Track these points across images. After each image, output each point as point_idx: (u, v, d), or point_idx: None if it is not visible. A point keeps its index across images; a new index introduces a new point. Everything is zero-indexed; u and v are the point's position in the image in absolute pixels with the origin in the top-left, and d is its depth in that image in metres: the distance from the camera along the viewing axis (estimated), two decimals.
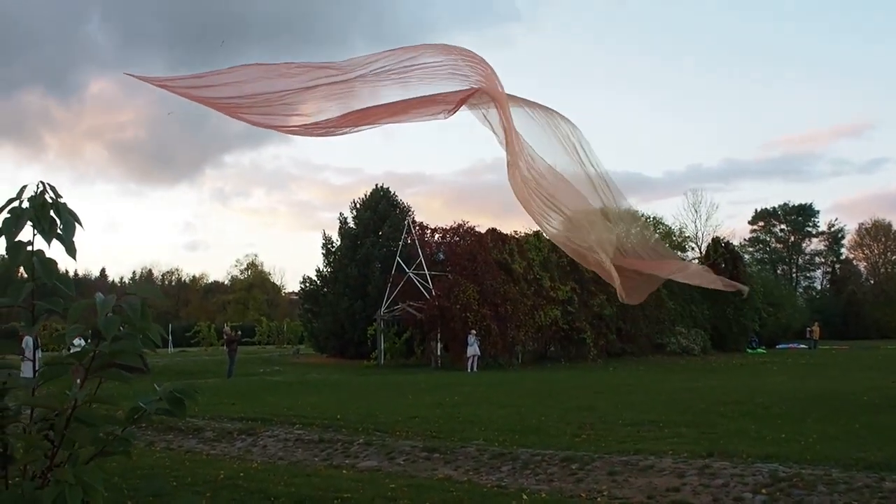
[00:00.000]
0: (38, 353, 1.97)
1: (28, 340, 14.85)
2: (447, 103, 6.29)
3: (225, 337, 32.52)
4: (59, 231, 2.15)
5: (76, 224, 2.19)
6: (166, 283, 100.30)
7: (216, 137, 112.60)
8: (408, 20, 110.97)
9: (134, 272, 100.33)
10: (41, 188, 2.18)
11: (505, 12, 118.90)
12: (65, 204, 2.19)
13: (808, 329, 57.14)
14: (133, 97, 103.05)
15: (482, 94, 6.30)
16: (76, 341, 2.37)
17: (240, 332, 37.27)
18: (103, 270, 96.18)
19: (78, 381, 2.23)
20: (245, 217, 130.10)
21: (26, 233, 2.16)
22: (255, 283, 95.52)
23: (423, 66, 6.19)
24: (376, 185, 46.06)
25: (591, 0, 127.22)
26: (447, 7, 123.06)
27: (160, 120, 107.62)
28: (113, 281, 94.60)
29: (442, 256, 37.96)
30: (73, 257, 2.19)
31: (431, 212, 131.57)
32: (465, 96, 6.24)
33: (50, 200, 2.17)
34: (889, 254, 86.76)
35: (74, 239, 2.19)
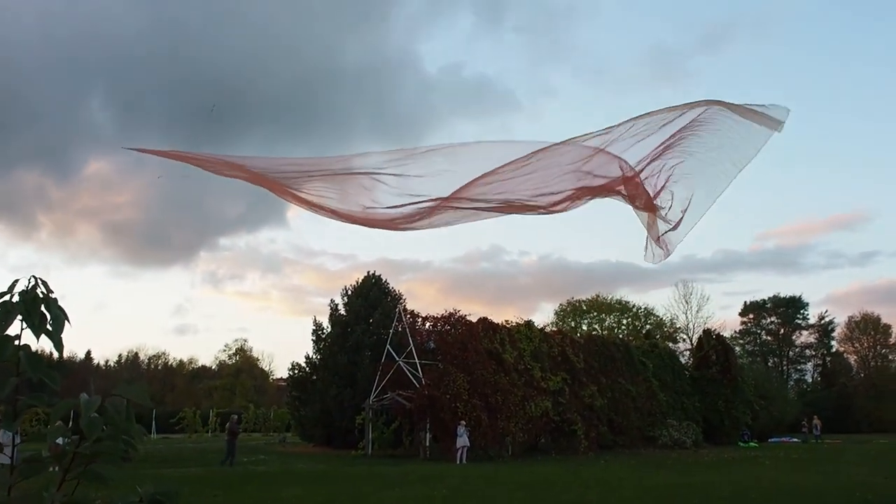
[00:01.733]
0: (17, 439, 1.92)
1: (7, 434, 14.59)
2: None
3: (228, 426, 32.25)
4: (48, 327, 2.15)
5: (65, 320, 2.19)
6: (152, 367, 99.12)
7: (212, 220, 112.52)
8: (408, 107, 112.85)
9: (120, 355, 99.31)
10: (32, 283, 2.19)
11: (505, 102, 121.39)
12: (55, 299, 2.19)
13: (803, 423, 56.69)
14: (130, 178, 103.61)
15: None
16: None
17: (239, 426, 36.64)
18: (88, 353, 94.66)
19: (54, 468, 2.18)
20: (237, 300, 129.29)
21: (14, 326, 2.15)
22: (242, 368, 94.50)
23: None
24: (368, 273, 46.18)
25: (584, 95, 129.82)
26: (447, 96, 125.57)
27: (156, 202, 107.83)
28: (98, 364, 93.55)
29: (432, 345, 37.70)
30: (61, 353, 2.19)
31: (426, 299, 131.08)
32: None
33: (41, 295, 2.17)
34: (878, 347, 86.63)
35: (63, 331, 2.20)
